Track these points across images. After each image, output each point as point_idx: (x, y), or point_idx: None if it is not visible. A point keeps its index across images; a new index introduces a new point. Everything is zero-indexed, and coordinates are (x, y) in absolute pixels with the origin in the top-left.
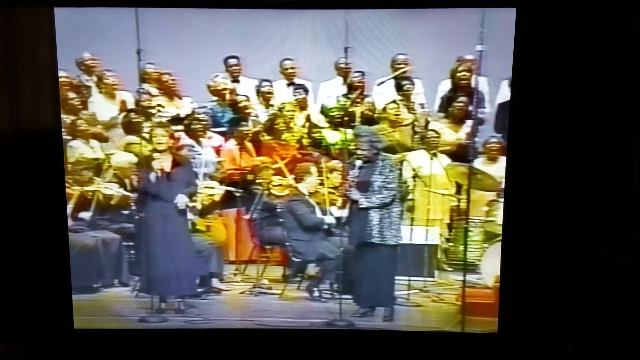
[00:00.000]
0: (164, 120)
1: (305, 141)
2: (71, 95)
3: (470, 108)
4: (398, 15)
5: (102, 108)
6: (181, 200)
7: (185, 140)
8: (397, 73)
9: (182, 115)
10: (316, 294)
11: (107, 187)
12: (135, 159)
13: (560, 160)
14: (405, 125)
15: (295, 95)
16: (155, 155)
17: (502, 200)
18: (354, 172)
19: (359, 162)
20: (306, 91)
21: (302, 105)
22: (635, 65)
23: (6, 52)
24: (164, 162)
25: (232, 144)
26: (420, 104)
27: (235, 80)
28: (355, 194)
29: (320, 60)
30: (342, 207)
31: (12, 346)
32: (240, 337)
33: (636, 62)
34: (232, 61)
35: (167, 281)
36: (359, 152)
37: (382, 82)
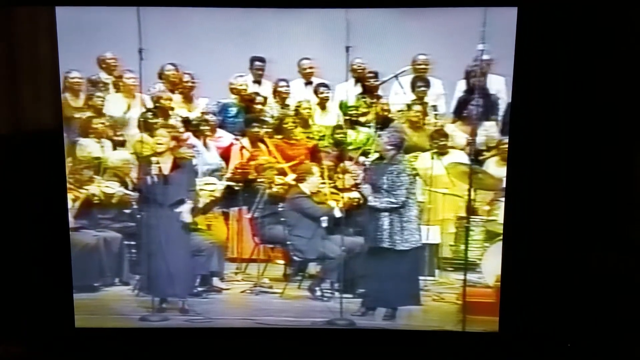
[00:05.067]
0: (173, 121)
1: (327, 141)
2: (82, 94)
3: (482, 108)
4: (400, 14)
5: (117, 107)
6: (185, 211)
7: (192, 140)
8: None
9: (192, 116)
10: (318, 293)
11: (108, 186)
12: (129, 157)
13: (562, 160)
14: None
15: (322, 94)
16: (155, 158)
17: (503, 199)
18: (366, 163)
19: (372, 156)
20: (329, 89)
21: (324, 103)
22: (636, 65)
23: (7, 52)
24: (162, 164)
25: (243, 143)
26: (433, 106)
27: (257, 81)
28: (367, 190)
29: (322, 61)
30: (345, 207)
31: (13, 345)
32: (241, 336)
33: (637, 62)
34: (258, 64)
35: (165, 282)
36: (379, 148)
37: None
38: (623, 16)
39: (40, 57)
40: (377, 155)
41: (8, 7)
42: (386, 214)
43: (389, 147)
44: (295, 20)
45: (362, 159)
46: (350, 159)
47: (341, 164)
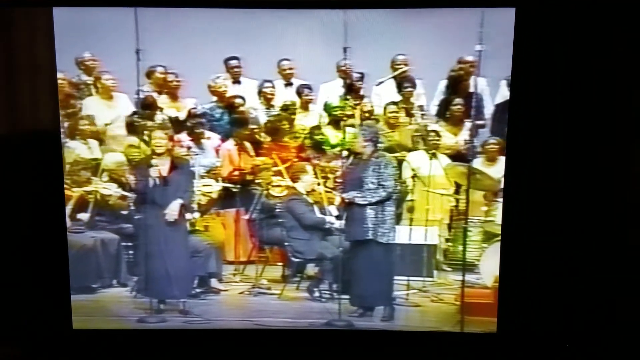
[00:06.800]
0: (165, 121)
1: (307, 142)
2: (68, 95)
3: (469, 109)
4: (397, 15)
5: (100, 108)
6: (172, 210)
7: (186, 141)
8: (396, 73)
9: (183, 117)
10: (316, 294)
11: (105, 188)
12: (123, 159)
13: (559, 161)
14: (404, 126)
15: (305, 96)
16: (154, 161)
17: (501, 200)
18: (340, 163)
19: (349, 158)
20: (312, 91)
21: (306, 105)
22: (634, 66)
23: (5, 53)
24: (161, 167)
25: (230, 145)
26: (420, 106)
27: (236, 81)
28: (350, 194)
29: (319, 61)
30: (341, 205)
31: (11, 346)
32: (239, 337)
33: (635, 62)
34: (233, 62)
35: (163, 284)
36: (356, 145)
37: (381, 82)
38: (621, 17)
39: (38, 58)
40: (356, 153)
41: (6, 7)
42: (373, 206)
43: (365, 144)
44: (293, 22)
45: (345, 155)
46: (340, 158)
47: (330, 164)
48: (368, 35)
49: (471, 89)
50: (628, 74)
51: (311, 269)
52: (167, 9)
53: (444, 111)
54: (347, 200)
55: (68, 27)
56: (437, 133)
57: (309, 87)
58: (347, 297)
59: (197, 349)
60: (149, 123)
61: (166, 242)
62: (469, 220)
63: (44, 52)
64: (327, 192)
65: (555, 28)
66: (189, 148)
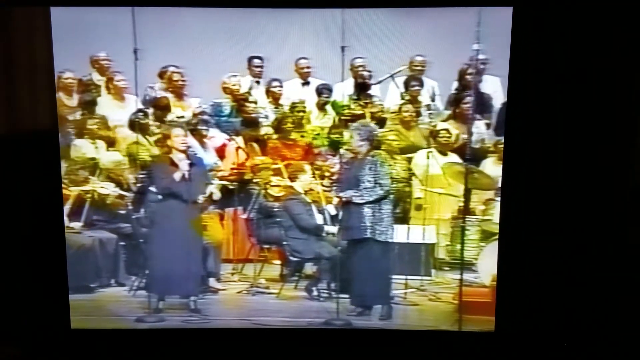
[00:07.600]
0: (175, 120)
1: (322, 142)
2: (76, 94)
3: (475, 108)
4: (395, 14)
5: (112, 109)
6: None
7: (189, 140)
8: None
9: (188, 116)
10: (315, 293)
11: (103, 187)
12: (121, 158)
13: (557, 159)
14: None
15: (325, 97)
16: (179, 156)
17: (499, 199)
18: (335, 161)
19: (346, 155)
20: (331, 92)
21: (322, 106)
22: (632, 64)
23: (2, 52)
24: (181, 162)
25: (235, 143)
26: (427, 105)
27: (257, 81)
28: (347, 193)
29: (320, 61)
30: (338, 204)
31: (10, 346)
32: (237, 337)
33: (633, 61)
34: (257, 62)
35: (169, 281)
36: (351, 145)
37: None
38: (618, 16)
39: (36, 58)
40: (352, 152)
41: (3, 7)
42: (370, 205)
43: (361, 143)
44: (291, 21)
45: (342, 155)
46: (338, 157)
47: (326, 163)
48: (366, 34)
49: (478, 87)
50: (627, 73)
51: (309, 268)
52: (166, 9)
53: (453, 110)
54: (344, 200)
55: (66, 27)
56: (447, 131)
57: (329, 87)
58: (345, 296)
59: (196, 348)
60: (164, 122)
61: (174, 242)
62: (466, 219)
63: (42, 52)
64: (325, 191)
65: (552, 27)
66: (187, 147)
